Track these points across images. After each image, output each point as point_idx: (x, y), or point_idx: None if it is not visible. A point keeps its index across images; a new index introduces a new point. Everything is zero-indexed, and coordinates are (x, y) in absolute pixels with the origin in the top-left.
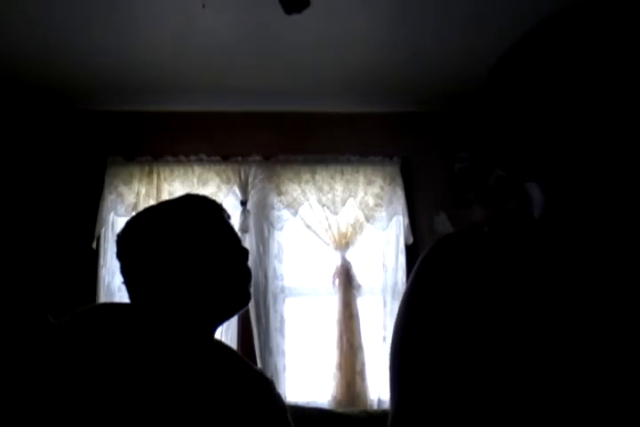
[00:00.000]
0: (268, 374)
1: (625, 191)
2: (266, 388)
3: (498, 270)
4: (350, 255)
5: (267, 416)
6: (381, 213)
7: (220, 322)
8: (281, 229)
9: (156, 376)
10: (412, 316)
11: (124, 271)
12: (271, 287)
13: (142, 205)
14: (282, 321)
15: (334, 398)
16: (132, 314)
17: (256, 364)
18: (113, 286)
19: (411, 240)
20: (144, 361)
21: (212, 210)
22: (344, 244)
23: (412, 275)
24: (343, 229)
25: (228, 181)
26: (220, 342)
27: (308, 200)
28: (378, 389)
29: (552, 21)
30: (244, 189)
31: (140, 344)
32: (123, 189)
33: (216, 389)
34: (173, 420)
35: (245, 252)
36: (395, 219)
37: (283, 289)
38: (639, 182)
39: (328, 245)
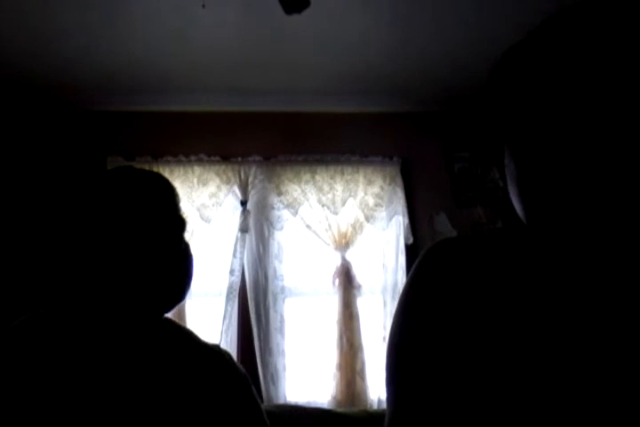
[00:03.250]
0: (268, 375)
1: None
2: (220, 361)
3: (491, 274)
4: (350, 255)
5: (224, 388)
6: (381, 213)
7: (166, 303)
8: (281, 229)
9: (98, 363)
10: (407, 318)
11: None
12: (271, 287)
13: None
14: (282, 321)
15: (334, 398)
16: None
17: (256, 364)
18: None
19: (411, 240)
20: (81, 349)
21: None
22: (344, 244)
23: (407, 279)
24: (343, 229)
25: (227, 181)
26: (168, 322)
27: (308, 200)
28: (378, 389)
29: (554, 20)
30: (244, 189)
31: (75, 333)
32: None
33: (165, 369)
34: (124, 404)
35: (183, 223)
36: (395, 219)
37: (283, 289)
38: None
39: (328, 245)
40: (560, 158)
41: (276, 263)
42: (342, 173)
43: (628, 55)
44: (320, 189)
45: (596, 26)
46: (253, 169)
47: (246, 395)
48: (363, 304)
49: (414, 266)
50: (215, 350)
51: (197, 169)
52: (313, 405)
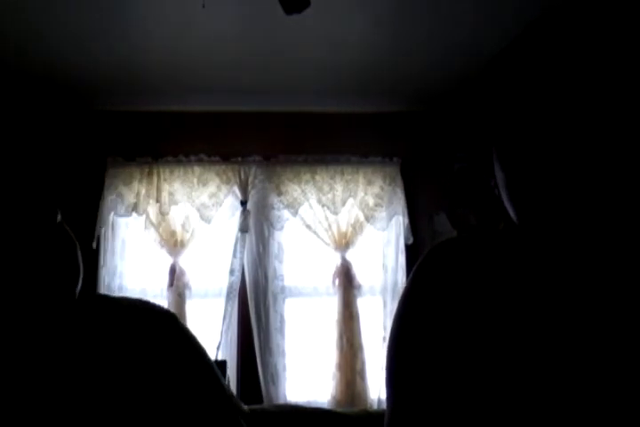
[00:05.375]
0: (268, 375)
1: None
2: (152, 322)
3: (490, 277)
4: (350, 255)
5: (162, 348)
6: (381, 213)
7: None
8: (281, 229)
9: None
10: (407, 320)
11: None
12: (271, 287)
13: (142, 206)
14: (282, 321)
15: (334, 397)
16: None
17: (256, 364)
18: (113, 285)
19: (411, 240)
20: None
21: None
22: (344, 244)
23: (408, 281)
24: (343, 229)
25: (228, 181)
26: (91, 297)
27: (307, 200)
28: (378, 388)
29: (538, 27)
30: (244, 189)
31: None
32: (123, 189)
33: (92, 340)
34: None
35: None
36: (395, 219)
37: (283, 289)
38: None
39: (328, 245)
40: (543, 167)
41: (276, 263)
42: (342, 173)
43: (609, 68)
44: (320, 189)
45: (580, 34)
46: (253, 169)
47: (190, 354)
48: (363, 304)
49: (414, 269)
50: (149, 310)
51: (197, 169)
52: (313, 405)
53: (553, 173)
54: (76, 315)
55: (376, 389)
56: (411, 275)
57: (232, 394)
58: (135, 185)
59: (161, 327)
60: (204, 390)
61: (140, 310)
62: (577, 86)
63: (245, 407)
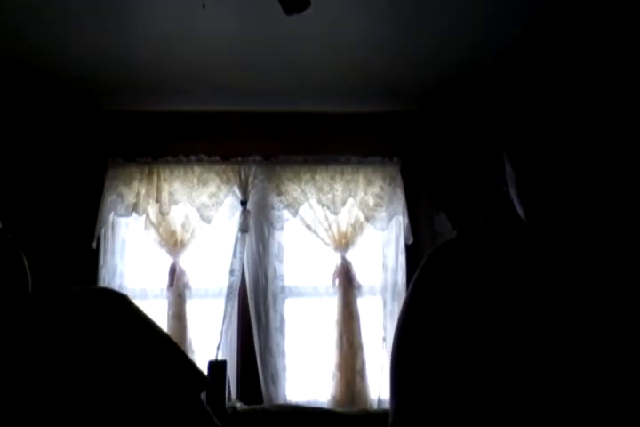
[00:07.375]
0: (268, 375)
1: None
2: (94, 307)
3: (494, 277)
4: (350, 255)
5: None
6: (381, 213)
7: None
8: (281, 229)
9: None
10: (411, 320)
11: None
12: (271, 287)
13: (142, 206)
14: (282, 321)
15: (334, 397)
16: None
17: (256, 364)
18: (113, 285)
19: (411, 240)
20: None
21: None
22: (344, 244)
23: (411, 282)
24: (343, 229)
25: (228, 181)
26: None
27: (307, 200)
28: (378, 388)
29: (540, 27)
30: (244, 189)
31: None
32: (123, 189)
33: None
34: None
35: None
36: (395, 219)
37: (283, 289)
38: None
39: (328, 245)
40: (552, 165)
41: (276, 263)
42: (342, 174)
43: (614, 66)
44: (320, 189)
45: (583, 32)
46: (253, 169)
47: (145, 332)
48: (363, 304)
49: (418, 270)
50: (98, 293)
51: (197, 169)
52: (313, 405)
53: (561, 171)
54: (23, 311)
55: (376, 389)
56: (414, 276)
57: (197, 369)
58: (135, 185)
59: (111, 308)
60: (161, 367)
61: (89, 295)
62: (582, 86)
63: (210, 381)
